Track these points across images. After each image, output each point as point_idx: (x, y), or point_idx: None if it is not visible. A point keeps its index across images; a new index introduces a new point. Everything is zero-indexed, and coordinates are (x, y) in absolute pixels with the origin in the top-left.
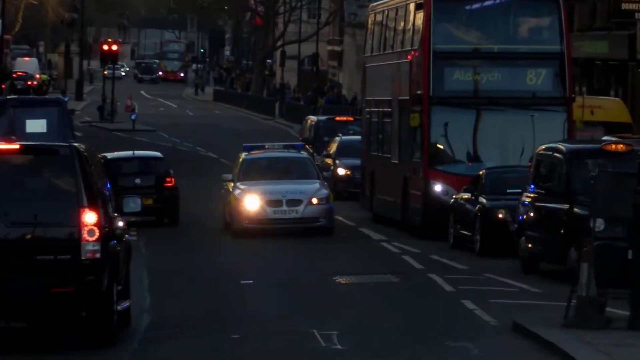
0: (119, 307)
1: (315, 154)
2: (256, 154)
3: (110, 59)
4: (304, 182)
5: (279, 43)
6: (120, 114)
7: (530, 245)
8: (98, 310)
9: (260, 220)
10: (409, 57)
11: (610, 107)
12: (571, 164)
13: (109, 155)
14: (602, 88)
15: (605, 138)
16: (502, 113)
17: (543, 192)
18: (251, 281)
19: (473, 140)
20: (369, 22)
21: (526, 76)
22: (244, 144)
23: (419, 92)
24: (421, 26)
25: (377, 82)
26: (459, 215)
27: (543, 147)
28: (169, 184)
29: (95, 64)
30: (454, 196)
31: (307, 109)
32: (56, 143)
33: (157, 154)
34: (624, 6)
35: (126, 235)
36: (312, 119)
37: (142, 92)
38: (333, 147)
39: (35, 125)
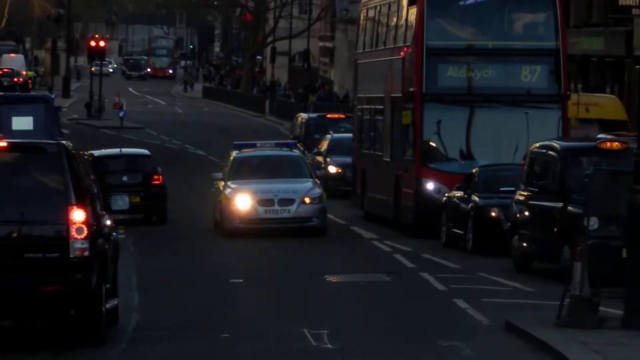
0: (107, 306)
1: (306, 151)
2: (247, 152)
3: (97, 55)
4: (297, 181)
5: (270, 39)
6: (108, 111)
7: (523, 244)
8: (87, 308)
9: (252, 220)
10: (401, 53)
11: (606, 104)
12: (565, 162)
13: (96, 152)
14: (598, 85)
15: (600, 136)
16: (496, 110)
17: (537, 190)
18: (241, 280)
19: (466, 137)
20: (361, 18)
21: (521, 73)
22: (234, 142)
23: (411, 89)
24: (414, 22)
25: (369, 79)
26: (451, 213)
27: (537, 144)
28: (157, 182)
29: (82, 60)
30: (446, 194)
31: (298, 106)
32: (44, 141)
33: (145, 151)
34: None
35: (114, 233)
36: (303, 116)
37: (130, 89)
38: (324, 145)
39: (22, 123)
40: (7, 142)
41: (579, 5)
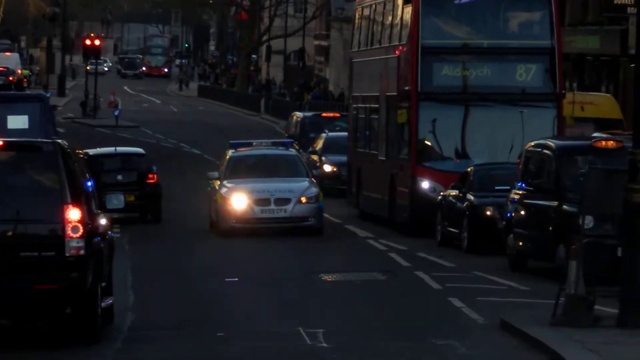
0: (102, 304)
1: (301, 150)
2: (243, 151)
3: (92, 54)
4: (293, 180)
5: (265, 38)
6: (103, 110)
7: (518, 243)
8: (82, 307)
9: (248, 219)
10: (396, 52)
11: (601, 103)
12: (561, 160)
13: (91, 151)
14: (593, 84)
15: (595, 134)
16: (491, 109)
17: (532, 189)
18: (236, 279)
19: (461, 136)
20: (356, 16)
21: (516, 72)
22: (230, 141)
23: (406, 87)
24: (409, 21)
25: (365, 78)
26: (446, 212)
27: (532, 143)
28: (151, 181)
29: (77, 59)
30: (441, 193)
31: (293, 104)
32: (39, 139)
33: (139, 150)
34: (616, 0)
35: (109, 232)
36: (298, 115)
37: (125, 87)
38: (319, 144)
39: (17, 122)
40: (2, 140)
41: (574, 4)
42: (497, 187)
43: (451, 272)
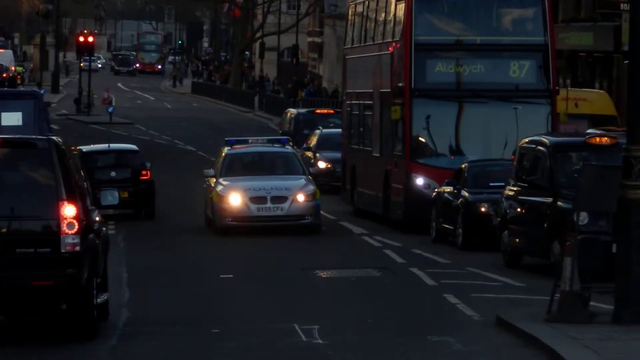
0: (98, 300)
1: (295, 147)
2: (239, 148)
3: (86, 50)
4: (290, 178)
5: (258, 35)
6: (97, 107)
7: (513, 239)
8: (78, 303)
9: (244, 217)
10: (390, 48)
11: (594, 99)
12: (555, 157)
13: (85, 148)
14: (586, 80)
15: (589, 131)
16: (485, 105)
17: (526, 185)
18: (231, 275)
19: (455, 133)
20: (350, 13)
21: (509, 68)
22: (226, 138)
23: (400, 84)
24: (402, 17)
25: (358, 75)
26: (441, 209)
27: (526, 140)
28: (145, 177)
29: (71, 56)
30: (436, 190)
31: (287, 101)
32: (34, 136)
33: (133, 146)
34: None
35: (103, 228)
36: (292, 111)
37: (119, 84)
38: (313, 140)
39: (11, 118)
40: None
41: (568, 1)
42: (491, 184)
43: (446, 269)
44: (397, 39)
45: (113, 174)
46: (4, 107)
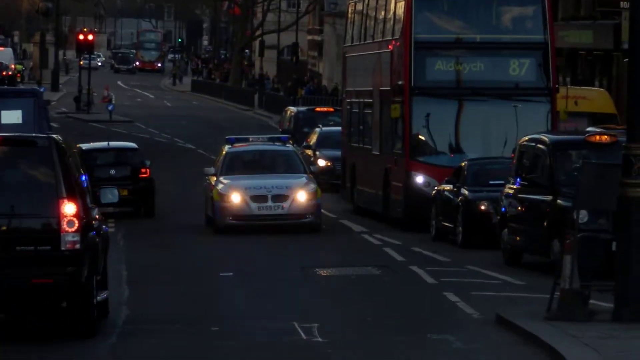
0: (98, 298)
1: (295, 145)
2: (240, 146)
3: (86, 48)
4: (290, 176)
5: (258, 33)
6: (96, 105)
7: (513, 238)
8: (78, 301)
9: (245, 216)
10: (389, 47)
11: (594, 97)
12: (555, 155)
13: (84, 146)
14: (586, 78)
15: (589, 129)
16: (485, 104)
17: (526, 183)
18: (231, 273)
19: (455, 131)
20: (349, 11)
21: (509, 66)
22: (227, 137)
23: (400, 82)
24: (402, 15)
25: (358, 73)
26: (441, 207)
27: (526, 138)
28: (144, 175)
29: (71, 54)
30: (435, 188)
31: (287, 99)
32: (34, 134)
33: (132, 144)
34: None
35: (103, 226)
36: (292, 109)
37: (119, 82)
38: (313, 138)
39: (11, 116)
40: None
41: None
42: (491, 182)
43: (446, 267)
44: (397, 37)
45: (112, 171)
46: (4, 105)
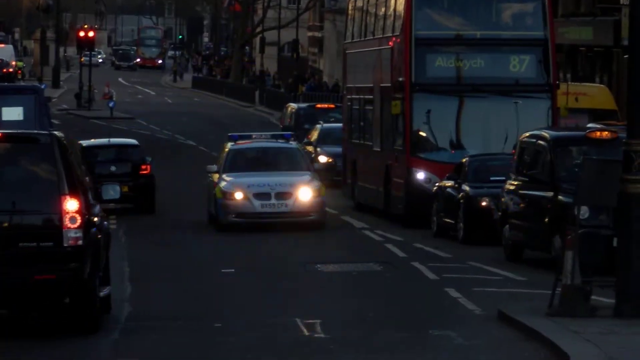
0: (100, 294)
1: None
2: (243, 144)
3: (86, 45)
4: (294, 173)
5: (258, 29)
6: (97, 102)
7: (514, 234)
8: (81, 297)
9: (248, 214)
10: (390, 43)
11: (595, 94)
12: (555, 151)
13: (85, 142)
14: (586, 75)
15: (590, 125)
16: (485, 100)
17: (527, 179)
18: (233, 270)
19: (456, 127)
20: (350, 8)
21: (509, 63)
22: (229, 134)
23: (400, 79)
24: (402, 12)
25: (358, 69)
26: (442, 203)
27: (527, 134)
28: (145, 172)
29: (71, 50)
30: (437, 184)
31: (288, 96)
32: (36, 131)
33: (133, 141)
34: None
35: (105, 223)
36: (293, 106)
37: (119, 79)
38: (314, 135)
39: (12, 113)
40: (0, 132)
41: None
42: (492, 178)
43: (447, 263)
44: (397, 33)
45: (113, 168)
46: (5, 102)
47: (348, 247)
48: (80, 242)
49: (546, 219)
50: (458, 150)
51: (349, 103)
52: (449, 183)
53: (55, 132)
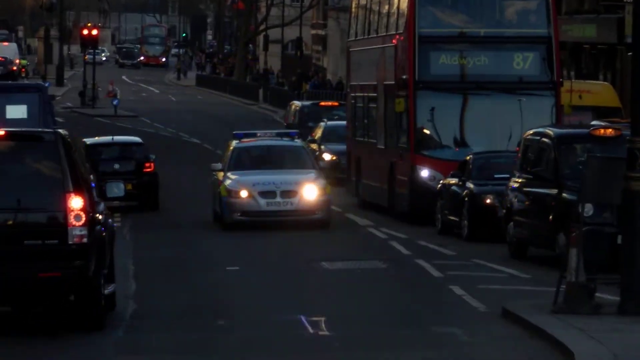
0: (105, 291)
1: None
2: (247, 142)
3: (90, 43)
4: (299, 172)
5: (262, 27)
6: (101, 100)
7: (518, 231)
8: (86, 294)
9: (253, 212)
10: (393, 41)
11: (598, 91)
12: (559, 148)
13: (89, 140)
14: (590, 72)
15: (593, 123)
16: (489, 97)
17: (531, 177)
18: (237, 267)
19: (460, 125)
20: (353, 5)
21: (513, 60)
22: (234, 132)
23: (404, 76)
24: (406, 10)
25: (362, 67)
26: (446, 200)
27: (531, 131)
28: (148, 169)
29: (75, 49)
30: (441, 181)
31: (292, 94)
32: (41, 129)
33: (137, 139)
34: None
35: (109, 220)
36: (297, 104)
37: (123, 77)
38: (318, 133)
39: (16, 111)
40: (4, 130)
41: None
42: (496, 175)
43: (452, 260)
44: (401, 31)
45: (117, 166)
46: (9, 100)
47: (352, 245)
48: (85, 240)
49: (550, 217)
50: (462, 147)
51: (353, 101)
52: (453, 180)
53: (60, 130)
